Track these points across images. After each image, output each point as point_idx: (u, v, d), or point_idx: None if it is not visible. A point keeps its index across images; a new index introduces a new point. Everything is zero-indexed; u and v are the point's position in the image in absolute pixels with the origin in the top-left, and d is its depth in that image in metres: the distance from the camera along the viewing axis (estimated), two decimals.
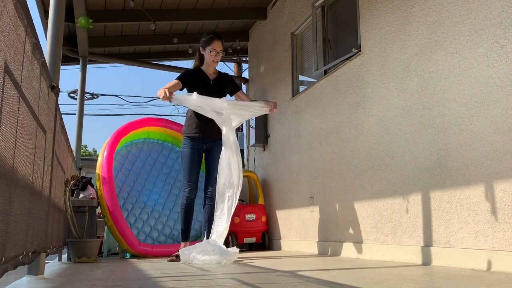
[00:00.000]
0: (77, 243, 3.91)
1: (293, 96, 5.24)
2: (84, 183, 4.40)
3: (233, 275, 2.50)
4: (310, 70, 5.09)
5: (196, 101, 3.65)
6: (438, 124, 2.93)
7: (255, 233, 5.39)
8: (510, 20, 2.45)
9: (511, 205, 2.39)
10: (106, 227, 4.79)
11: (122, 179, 4.91)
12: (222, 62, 9.19)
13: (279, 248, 5.29)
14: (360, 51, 3.88)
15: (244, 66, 9.73)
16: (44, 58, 2.10)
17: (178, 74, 4.04)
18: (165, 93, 3.57)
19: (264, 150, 6.06)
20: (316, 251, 4.41)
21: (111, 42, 6.64)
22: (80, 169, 5.77)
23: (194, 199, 3.90)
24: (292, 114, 5.16)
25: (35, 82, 1.90)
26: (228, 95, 4.08)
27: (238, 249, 3.51)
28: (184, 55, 7.36)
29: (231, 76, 4.28)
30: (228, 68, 9.71)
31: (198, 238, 4.94)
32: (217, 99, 3.70)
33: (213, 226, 3.61)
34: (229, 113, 3.68)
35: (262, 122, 5.93)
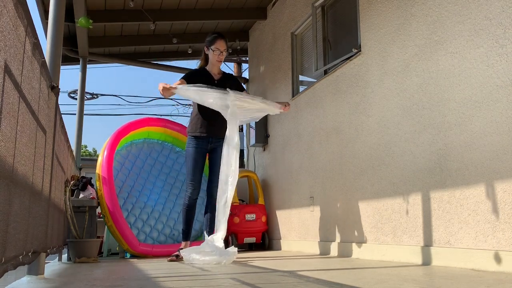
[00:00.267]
0: (77, 243, 3.91)
1: (293, 96, 5.24)
2: (84, 183, 4.40)
3: (233, 275, 2.50)
4: (310, 70, 5.09)
5: (199, 91, 3.60)
6: (438, 124, 2.93)
7: (255, 233, 5.39)
8: (510, 20, 2.45)
9: (511, 205, 2.39)
10: (106, 227, 4.79)
11: (122, 179, 4.91)
12: (223, 62, 9.18)
13: (279, 248, 5.29)
14: (360, 51, 3.88)
15: (244, 66, 9.73)
16: (44, 58, 2.10)
17: (177, 74, 4.04)
18: (165, 85, 3.56)
19: (264, 150, 6.06)
20: (316, 251, 4.41)
21: (111, 42, 6.64)
22: (80, 169, 5.77)
23: (196, 199, 3.89)
24: (292, 114, 5.16)
25: (35, 82, 1.90)
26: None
27: (236, 249, 3.51)
28: (184, 55, 7.36)
29: (235, 76, 4.28)
30: (228, 68, 9.72)
31: (198, 238, 4.94)
32: (221, 89, 3.66)
33: (217, 225, 3.57)
34: (235, 105, 3.62)
35: (262, 122, 5.92)
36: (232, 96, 3.62)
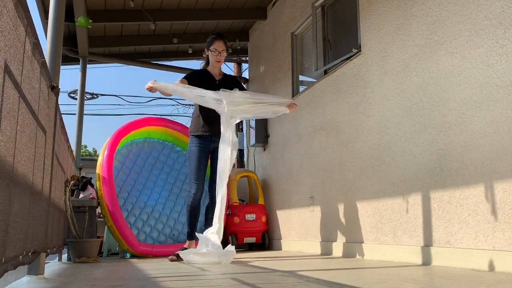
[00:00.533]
0: (77, 243, 3.91)
1: (293, 96, 5.24)
2: (84, 183, 4.40)
3: (233, 275, 2.50)
4: (310, 70, 5.09)
5: (191, 90, 3.62)
6: (438, 124, 2.93)
7: (255, 233, 5.38)
8: (510, 20, 2.45)
9: (511, 205, 2.39)
10: (106, 227, 4.79)
11: (123, 178, 4.90)
12: (223, 62, 9.19)
13: (279, 248, 5.29)
14: (360, 51, 3.88)
15: (244, 66, 9.72)
16: (44, 58, 2.10)
17: (178, 74, 4.06)
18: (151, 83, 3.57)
19: (264, 150, 6.06)
20: (316, 251, 4.41)
21: (111, 42, 6.64)
22: (80, 169, 5.77)
23: (200, 199, 3.88)
24: (292, 114, 5.14)
25: (35, 82, 1.90)
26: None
27: (234, 247, 3.48)
28: (184, 55, 7.36)
29: (237, 77, 4.29)
30: (228, 68, 9.71)
31: None
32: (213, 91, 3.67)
33: (215, 221, 3.56)
34: (230, 103, 3.62)
35: (262, 122, 5.93)
36: (228, 96, 3.62)
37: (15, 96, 1.46)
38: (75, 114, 6.26)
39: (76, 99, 7.63)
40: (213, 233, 3.47)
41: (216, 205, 3.55)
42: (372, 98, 3.67)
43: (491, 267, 2.45)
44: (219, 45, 3.94)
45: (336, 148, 4.17)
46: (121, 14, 5.76)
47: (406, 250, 3.15)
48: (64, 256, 4.31)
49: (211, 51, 3.95)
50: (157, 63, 7.38)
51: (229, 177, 3.76)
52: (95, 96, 15.20)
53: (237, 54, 7.47)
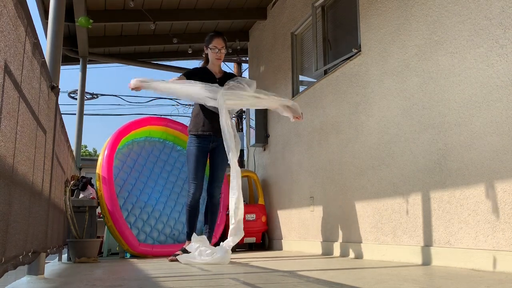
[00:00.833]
0: (77, 243, 3.91)
1: (293, 96, 5.24)
2: (84, 183, 4.40)
3: (233, 275, 2.50)
4: (310, 70, 5.09)
5: (184, 84, 3.60)
6: (438, 124, 2.93)
7: (255, 233, 5.38)
8: (510, 20, 2.45)
9: (511, 205, 2.39)
10: (106, 227, 4.79)
11: (123, 177, 4.90)
12: (223, 62, 9.20)
13: (279, 248, 5.29)
14: (360, 51, 3.88)
15: (244, 66, 9.73)
16: (44, 58, 2.10)
17: (178, 74, 4.03)
18: (136, 81, 3.55)
19: (264, 150, 6.06)
20: (316, 251, 4.41)
21: (111, 42, 6.64)
22: (80, 169, 5.77)
23: (199, 198, 3.87)
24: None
25: (35, 82, 1.90)
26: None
27: (229, 246, 3.47)
28: (184, 55, 7.36)
29: (236, 75, 4.28)
30: (228, 68, 9.72)
31: None
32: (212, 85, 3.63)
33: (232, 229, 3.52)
34: (226, 98, 3.58)
35: (262, 122, 5.93)
36: (224, 95, 3.58)
37: (15, 96, 1.46)
38: (75, 114, 6.26)
39: (76, 99, 7.64)
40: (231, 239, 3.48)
41: (233, 215, 3.52)
42: (372, 98, 3.67)
43: (491, 267, 2.45)
44: (218, 42, 3.91)
45: (336, 148, 4.17)
46: (121, 14, 5.76)
47: (406, 250, 3.15)
48: (64, 256, 4.31)
49: (210, 49, 3.92)
50: (157, 63, 7.39)
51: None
52: (95, 96, 15.20)
53: (237, 54, 7.47)
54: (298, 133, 5.01)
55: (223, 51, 3.95)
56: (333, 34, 4.73)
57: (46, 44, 2.86)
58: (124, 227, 4.44)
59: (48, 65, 2.54)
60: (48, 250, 2.62)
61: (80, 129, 6.09)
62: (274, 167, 5.67)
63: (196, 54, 7.14)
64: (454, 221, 2.76)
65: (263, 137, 5.92)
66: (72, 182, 4.09)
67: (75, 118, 6.18)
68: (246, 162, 7.22)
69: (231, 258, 3.47)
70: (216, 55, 3.93)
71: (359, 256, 3.68)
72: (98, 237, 4.66)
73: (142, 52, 7.24)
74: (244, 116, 8.81)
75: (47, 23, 3.15)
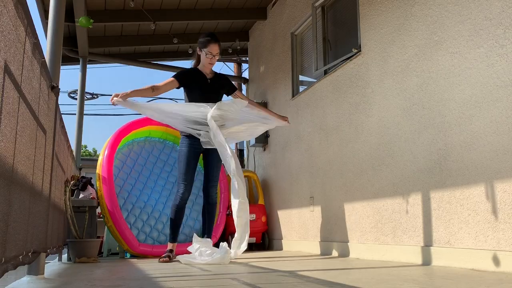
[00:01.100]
0: (77, 243, 3.91)
1: (293, 96, 5.24)
2: (84, 183, 4.39)
3: (233, 275, 2.50)
4: (310, 70, 5.09)
5: (171, 109, 3.73)
6: (438, 124, 2.93)
7: (255, 233, 5.38)
8: (510, 20, 2.45)
9: (511, 205, 2.39)
10: (106, 227, 4.78)
11: (123, 177, 4.89)
12: (222, 62, 9.19)
13: (279, 248, 5.29)
14: (360, 51, 3.88)
15: (244, 66, 9.72)
16: (44, 58, 2.10)
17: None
18: (116, 95, 3.50)
19: (264, 150, 6.06)
20: (316, 251, 4.41)
21: (111, 42, 6.64)
22: (80, 169, 5.76)
23: (187, 200, 3.84)
24: (292, 114, 5.16)
25: (35, 82, 1.90)
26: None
27: (226, 244, 3.47)
28: (184, 55, 7.36)
29: (227, 76, 4.27)
30: (228, 68, 9.70)
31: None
32: (204, 104, 3.66)
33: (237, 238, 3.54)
34: (219, 125, 3.60)
35: None
36: (213, 122, 3.59)
37: (15, 96, 1.46)
38: (75, 114, 6.26)
39: (76, 99, 7.63)
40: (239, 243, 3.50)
41: (239, 219, 3.51)
42: (372, 98, 3.67)
43: (491, 267, 2.45)
44: (214, 49, 3.85)
45: (336, 148, 4.17)
46: (121, 14, 5.76)
47: (406, 250, 3.15)
48: (64, 256, 4.31)
49: (205, 53, 3.86)
50: (157, 63, 7.38)
51: (229, 177, 3.76)
52: (95, 96, 15.21)
53: (237, 54, 7.47)
54: (298, 133, 5.01)
55: (217, 57, 3.93)
56: (333, 34, 4.73)
57: (46, 44, 2.86)
58: (124, 227, 4.43)
59: (48, 65, 2.54)
60: (48, 250, 2.62)
61: (80, 129, 6.08)
62: (274, 167, 5.67)
63: (196, 54, 7.13)
64: (454, 221, 2.76)
65: (263, 137, 5.92)
66: (72, 182, 4.08)
67: (75, 118, 6.18)
68: (246, 162, 7.22)
69: (231, 259, 3.47)
70: (209, 60, 3.88)
71: (359, 256, 3.68)
72: (98, 237, 4.66)
73: (142, 52, 7.24)
74: None
75: (47, 23, 3.15)
